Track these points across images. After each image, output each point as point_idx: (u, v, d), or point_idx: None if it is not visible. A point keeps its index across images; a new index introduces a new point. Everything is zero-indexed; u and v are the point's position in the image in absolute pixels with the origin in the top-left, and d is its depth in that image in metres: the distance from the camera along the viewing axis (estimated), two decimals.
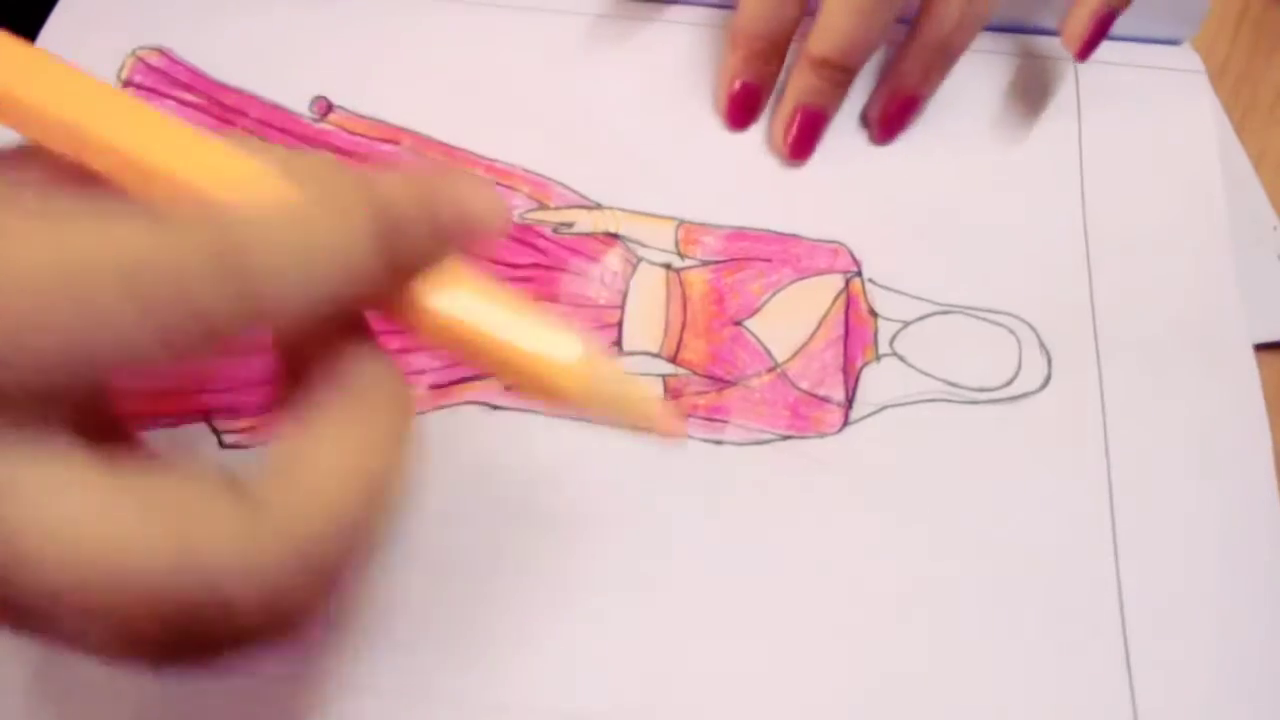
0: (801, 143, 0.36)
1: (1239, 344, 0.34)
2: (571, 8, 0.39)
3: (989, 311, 0.34)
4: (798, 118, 0.36)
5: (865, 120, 0.37)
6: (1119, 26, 0.36)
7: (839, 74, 0.35)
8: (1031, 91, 0.38)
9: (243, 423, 0.31)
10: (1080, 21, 0.35)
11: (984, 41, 0.39)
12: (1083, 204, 0.36)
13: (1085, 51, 0.35)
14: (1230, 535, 0.30)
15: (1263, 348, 0.34)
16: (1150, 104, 0.38)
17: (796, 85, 0.36)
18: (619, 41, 0.38)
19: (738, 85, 0.37)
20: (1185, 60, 0.39)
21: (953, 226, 0.35)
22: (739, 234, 0.35)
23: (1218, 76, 0.40)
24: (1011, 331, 0.34)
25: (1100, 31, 0.35)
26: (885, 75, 0.37)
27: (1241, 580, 0.30)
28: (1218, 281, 0.35)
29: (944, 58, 0.36)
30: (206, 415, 0.31)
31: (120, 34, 0.37)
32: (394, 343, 0.32)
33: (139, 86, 0.36)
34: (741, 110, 0.37)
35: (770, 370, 0.33)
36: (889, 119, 0.37)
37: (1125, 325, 0.34)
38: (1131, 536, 0.30)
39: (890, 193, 0.36)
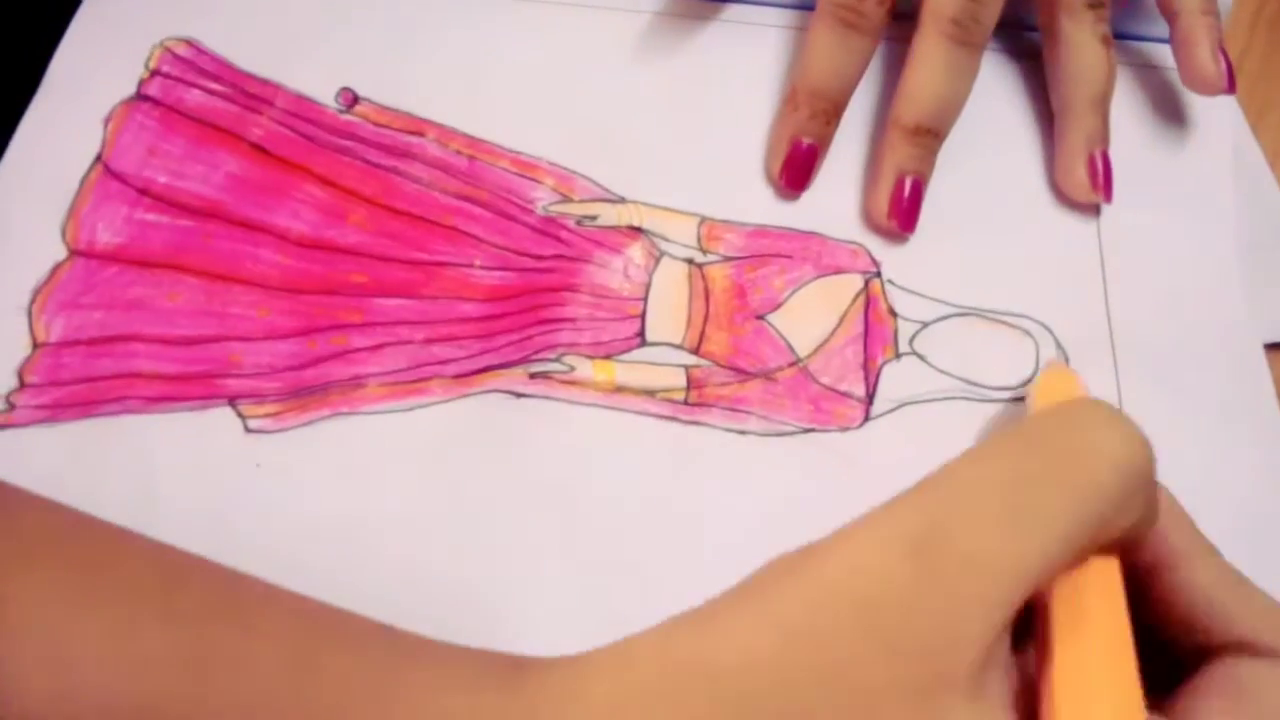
0: (912, 213, 0.35)
1: (1250, 345, 0.34)
2: (598, 2, 0.39)
3: (1006, 314, 0.34)
4: (906, 188, 0.35)
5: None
6: (1137, 26, 0.36)
7: (934, 139, 0.35)
8: (1048, 95, 0.38)
9: (267, 407, 0.31)
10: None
11: (1001, 42, 0.39)
12: (1098, 206, 0.36)
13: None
14: (1246, 535, 0.30)
15: (1275, 346, 0.35)
16: (1166, 103, 0.39)
17: (895, 156, 0.35)
18: (645, 37, 0.39)
19: (804, 144, 0.35)
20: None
21: (970, 230, 0.36)
22: (760, 232, 0.35)
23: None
24: (1028, 334, 0.34)
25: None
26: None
27: (1259, 581, 0.30)
28: (1227, 283, 0.35)
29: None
30: (231, 400, 0.31)
31: (148, 24, 0.38)
32: (419, 333, 0.32)
33: (166, 76, 0.37)
34: (801, 170, 0.35)
35: (792, 364, 0.33)
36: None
37: (1139, 327, 0.34)
38: None
39: None
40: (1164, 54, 0.39)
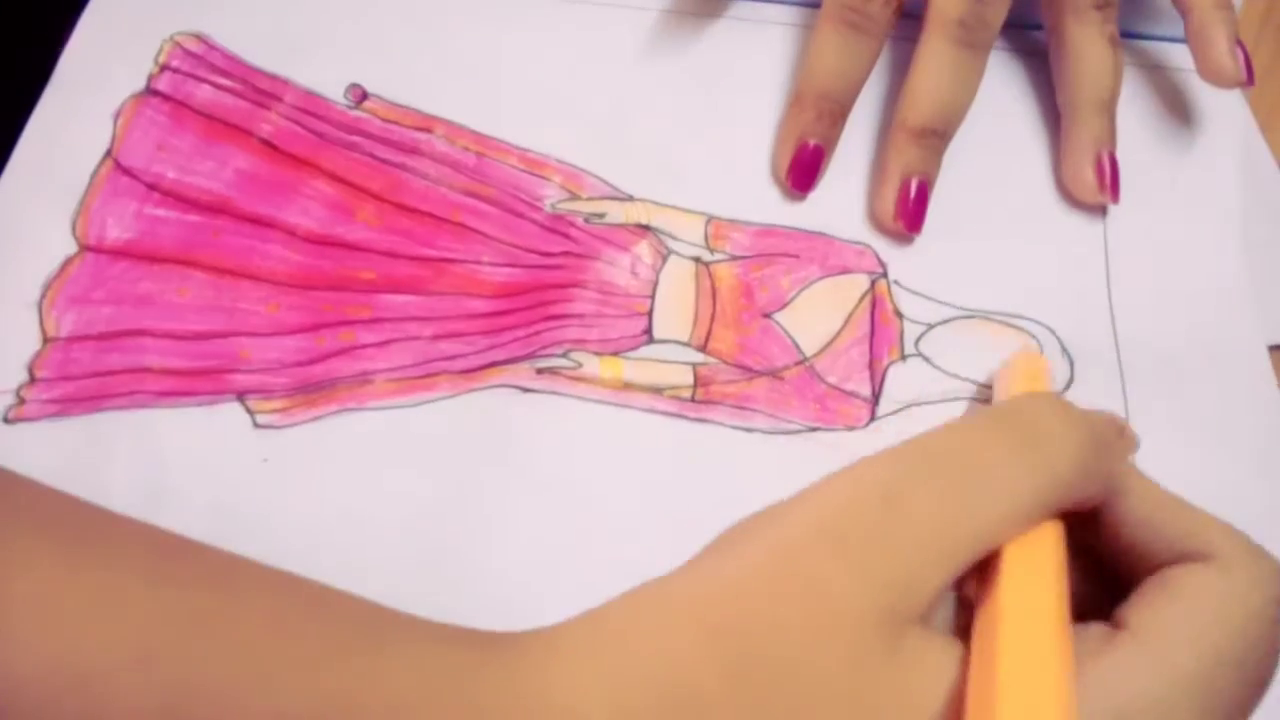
0: (918, 214, 0.35)
1: (1254, 347, 0.34)
2: None
3: (1012, 316, 0.34)
4: (912, 190, 0.35)
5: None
6: (1144, 25, 0.36)
7: (940, 141, 0.35)
8: (1053, 95, 0.38)
9: (276, 403, 0.31)
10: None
11: (1007, 41, 0.39)
12: (1104, 207, 0.36)
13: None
14: (1252, 536, 0.31)
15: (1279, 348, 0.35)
16: (1173, 104, 0.39)
17: (901, 157, 0.35)
18: (654, 34, 0.39)
19: (810, 145, 0.35)
20: None
21: (976, 232, 0.36)
22: (767, 231, 0.35)
23: None
24: (1034, 336, 0.34)
25: None
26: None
27: None
28: (1233, 285, 0.35)
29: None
30: (240, 395, 0.31)
31: (158, 19, 0.38)
32: (427, 330, 0.33)
33: (176, 71, 0.37)
34: (807, 171, 0.35)
35: (799, 363, 0.33)
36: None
37: (1144, 329, 0.34)
38: None
39: None
40: (1171, 54, 0.40)
